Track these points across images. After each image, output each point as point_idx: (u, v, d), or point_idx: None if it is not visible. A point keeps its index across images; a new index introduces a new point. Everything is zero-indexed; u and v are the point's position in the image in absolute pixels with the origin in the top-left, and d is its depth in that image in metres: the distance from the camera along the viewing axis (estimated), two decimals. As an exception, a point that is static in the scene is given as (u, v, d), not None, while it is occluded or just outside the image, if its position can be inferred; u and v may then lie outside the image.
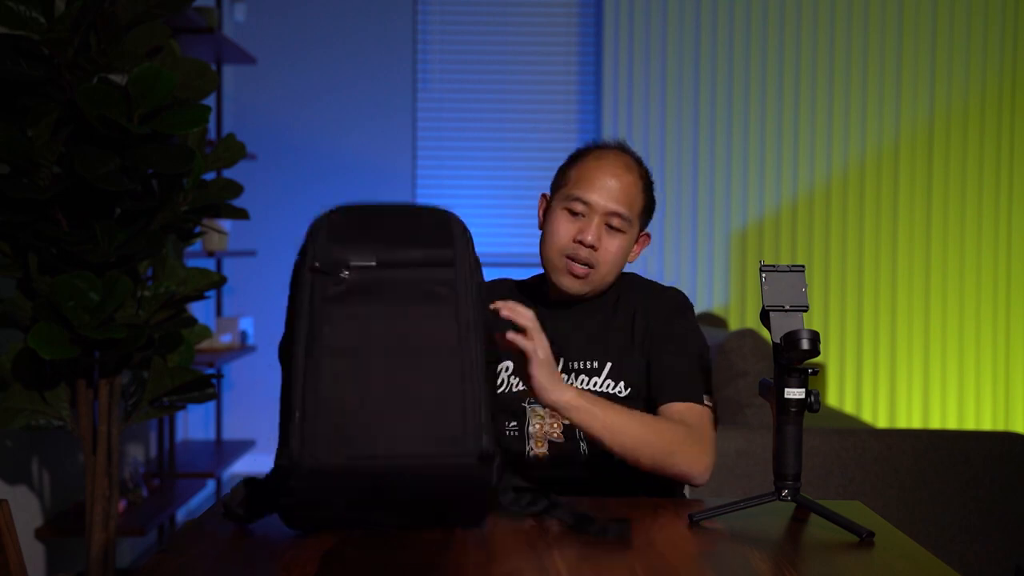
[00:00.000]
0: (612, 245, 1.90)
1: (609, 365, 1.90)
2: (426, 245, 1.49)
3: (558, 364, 1.90)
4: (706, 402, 1.84)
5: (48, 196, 2.32)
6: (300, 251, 1.51)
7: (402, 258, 1.48)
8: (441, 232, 1.50)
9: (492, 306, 1.59)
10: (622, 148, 1.98)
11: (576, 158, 1.97)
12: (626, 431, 1.71)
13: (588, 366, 1.91)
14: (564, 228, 1.91)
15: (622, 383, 1.89)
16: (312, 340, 1.44)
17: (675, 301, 1.95)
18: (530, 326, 1.61)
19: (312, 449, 1.39)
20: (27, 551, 2.82)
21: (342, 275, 1.46)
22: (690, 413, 1.82)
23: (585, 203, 1.90)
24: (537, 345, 1.61)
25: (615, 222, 1.90)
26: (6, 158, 2.31)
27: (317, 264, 1.47)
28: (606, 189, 1.90)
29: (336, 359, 1.43)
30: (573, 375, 1.90)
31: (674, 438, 1.75)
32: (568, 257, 1.90)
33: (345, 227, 1.50)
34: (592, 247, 1.89)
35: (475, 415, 1.42)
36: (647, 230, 1.99)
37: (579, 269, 1.90)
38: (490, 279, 2.03)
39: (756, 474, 2.86)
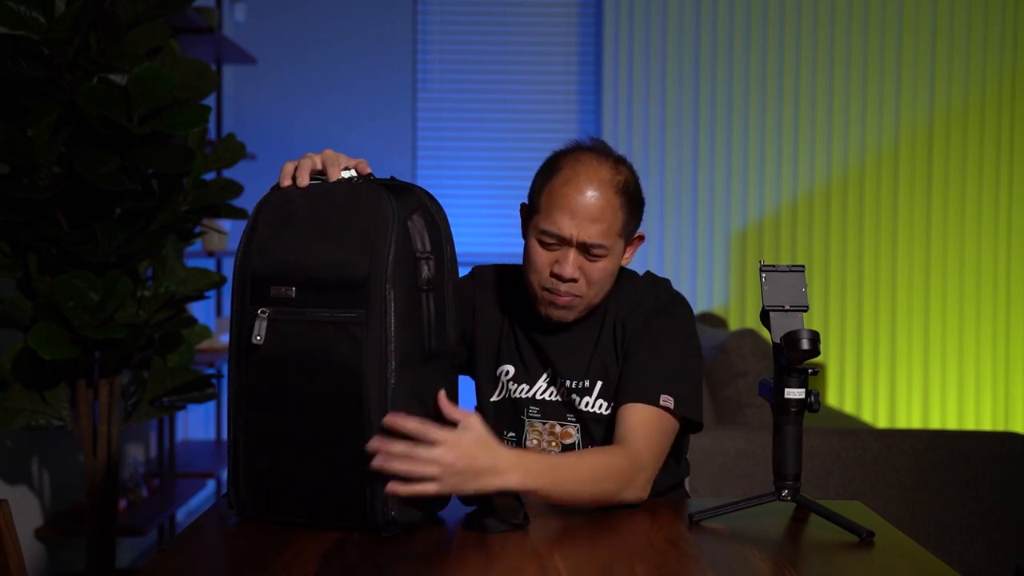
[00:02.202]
0: (595, 271, 1.76)
1: (600, 384, 1.81)
2: (347, 267, 1.44)
3: (554, 381, 1.84)
4: (663, 402, 1.71)
5: (48, 196, 2.32)
6: (240, 242, 1.54)
7: (320, 284, 1.45)
8: (363, 249, 1.44)
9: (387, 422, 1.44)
10: (595, 153, 1.80)
11: (548, 173, 1.80)
12: (574, 492, 1.58)
13: (580, 385, 1.82)
14: (540, 259, 1.77)
15: (613, 403, 1.80)
16: (240, 392, 1.50)
17: (657, 300, 1.82)
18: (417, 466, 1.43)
19: (242, 505, 1.50)
20: (27, 551, 2.82)
21: (261, 313, 1.47)
22: (642, 420, 1.71)
23: (556, 236, 1.75)
24: (437, 478, 1.44)
25: (592, 251, 1.75)
26: (6, 158, 2.31)
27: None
28: (575, 216, 1.74)
29: (257, 414, 1.49)
30: (564, 393, 1.83)
31: (619, 477, 1.63)
32: (548, 290, 1.77)
33: (272, 236, 1.50)
34: (572, 280, 1.75)
35: (380, 487, 1.42)
36: (640, 231, 1.85)
37: (562, 300, 1.77)
38: (478, 265, 1.99)
39: (756, 474, 2.86)
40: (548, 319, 1.81)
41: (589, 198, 1.74)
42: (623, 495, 1.64)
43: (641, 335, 1.79)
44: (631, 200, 1.79)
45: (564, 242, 1.75)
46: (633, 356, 1.78)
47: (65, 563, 3.07)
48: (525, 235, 1.82)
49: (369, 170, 1.54)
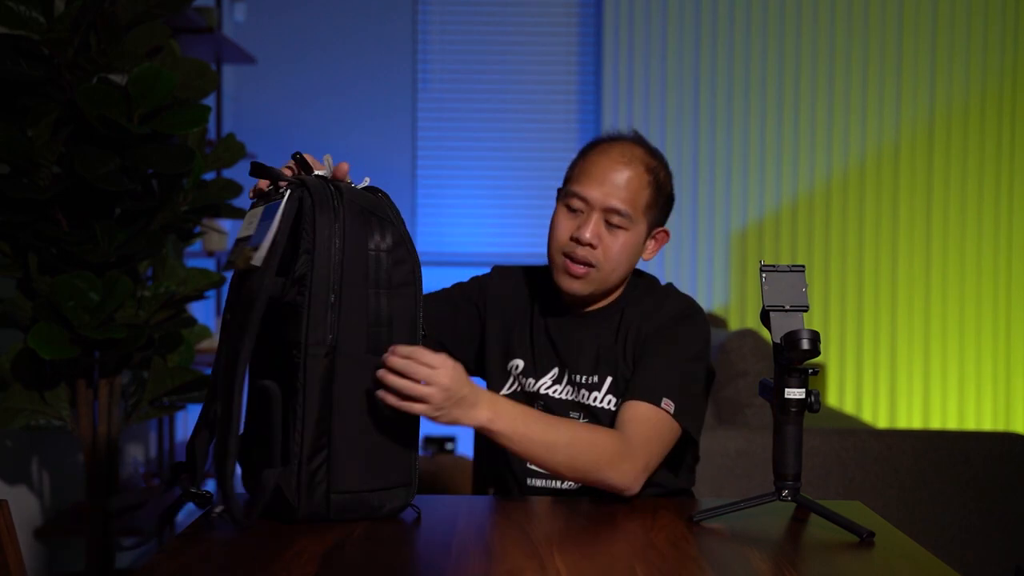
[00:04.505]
0: (614, 244, 1.80)
1: (609, 380, 1.83)
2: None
3: (563, 377, 1.86)
4: (664, 405, 1.73)
5: (48, 196, 2.32)
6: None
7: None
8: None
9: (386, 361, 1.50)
10: (633, 139, 1.88)
11: (584, 152, 1.88)
12: (547, 449, 1.62)
13: (589, 380, 1.84)
14: (563, 225, 1.83)
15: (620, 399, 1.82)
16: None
17: (674, 311, 1.85)
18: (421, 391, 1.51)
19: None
20: (27, 551, 2.82)
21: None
22: (640, 415, 1.73)
23: (582, 199, 1.81)
24: (426, 397, 1.50)
25: (614, 219, 1.80)
26: (6, 158, 2.31)
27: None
28: (604, 184, 1.80)
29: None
30: (574, 388, 1.85)
31: (602, 452, 1.65)
32: (567, 256, 1.81)
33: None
34: (590, 245, 1.80)
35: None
36: (665, 227, 1.89)
37: (577, 268, 1.81)
38: (504, 265, 2.01)
39: (756, 474, 2.86)
40: (562, 291, 1.84)
41: (619, 169, 1.82)
42: (605, 474, 1.65)
43: (656, 339, 1.81)
44: (659, 185, 1.85)
45: (588, 206, 1.81)
46: (645, 358, 1.80)
47: (65, 563, 3.07)
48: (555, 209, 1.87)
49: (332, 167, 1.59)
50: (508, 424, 1.59)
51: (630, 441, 1.69)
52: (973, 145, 5.28)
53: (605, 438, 1.68)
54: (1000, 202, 5.29)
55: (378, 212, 1.54)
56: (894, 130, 5.28)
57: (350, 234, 1.49)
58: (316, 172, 1.54)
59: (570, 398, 1.84)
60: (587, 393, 1.84)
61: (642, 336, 1.83)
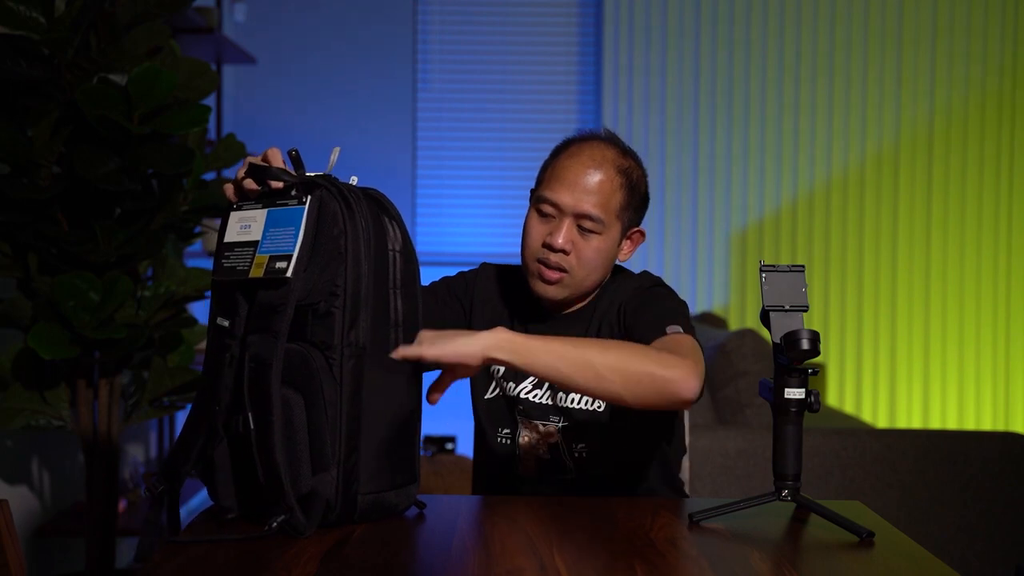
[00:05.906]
0: (587, 248, 1.78)
1: None
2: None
3: (542, 381, 1.82)
4: (670, 331, 1.67)
5: (48, 196, 2.32)
6: None
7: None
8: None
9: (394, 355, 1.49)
10: (604, 139, 1.83)
11: (555, 153, 1.84)
12: (586, 358, 1.54)
13: None
14: (535, 230, 1.80)
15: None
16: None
17: (639, 283, 1.83)
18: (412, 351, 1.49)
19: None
20: (27, 551, 2.82)
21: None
22: (665, 340, 1.66)
23: (553, 204, 1.78)
24: (421, 342, 1.50)
25: (586, 224, 1.77)
26: (6, 158, 2.32)
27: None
28: (575, 189, 1.76)
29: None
30: (553, 391, 1.83)
31: (644, 351, 1.58)
32: (540, 262, 1.79)
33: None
34: (563, 251, 1.77)
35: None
36: (641, 227, 1.86)
37: (551, 274, 1.78)
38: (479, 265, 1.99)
39: (756, 474, 2.87)
40: (537, 297, 1.82)
41: (590, 172, 1.78)
42: (656, 371, 1.56)
43: (634, 305, 1.79)
44: (632, 185, 1.81)
45: (560, 212, 1.77)
46: (632, 319, 1.76)
47: (65, 563, 3.07)
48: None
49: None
50: (527, 340, 1.53)
51: (672, 349, 1.62)
52: (973, 145, 5.28)
53: (645, 346, 1.61)
54: (1000, 202, 5.29)
55: (388, 210, 1.53)
56: (894, 130, 5.28)
57: (376, 236, 1.49)
58: (309, 172, 1.52)
59: (548, 402, 1.84)
60: (564, 396, 1.82)
61: (617, 314, 1.80)
